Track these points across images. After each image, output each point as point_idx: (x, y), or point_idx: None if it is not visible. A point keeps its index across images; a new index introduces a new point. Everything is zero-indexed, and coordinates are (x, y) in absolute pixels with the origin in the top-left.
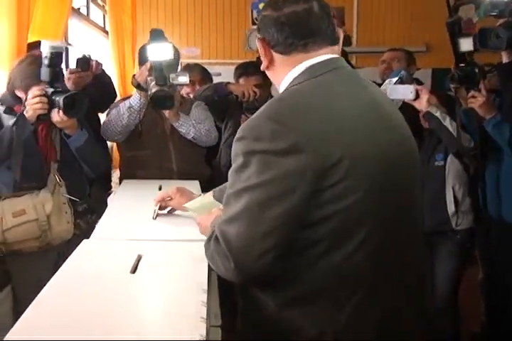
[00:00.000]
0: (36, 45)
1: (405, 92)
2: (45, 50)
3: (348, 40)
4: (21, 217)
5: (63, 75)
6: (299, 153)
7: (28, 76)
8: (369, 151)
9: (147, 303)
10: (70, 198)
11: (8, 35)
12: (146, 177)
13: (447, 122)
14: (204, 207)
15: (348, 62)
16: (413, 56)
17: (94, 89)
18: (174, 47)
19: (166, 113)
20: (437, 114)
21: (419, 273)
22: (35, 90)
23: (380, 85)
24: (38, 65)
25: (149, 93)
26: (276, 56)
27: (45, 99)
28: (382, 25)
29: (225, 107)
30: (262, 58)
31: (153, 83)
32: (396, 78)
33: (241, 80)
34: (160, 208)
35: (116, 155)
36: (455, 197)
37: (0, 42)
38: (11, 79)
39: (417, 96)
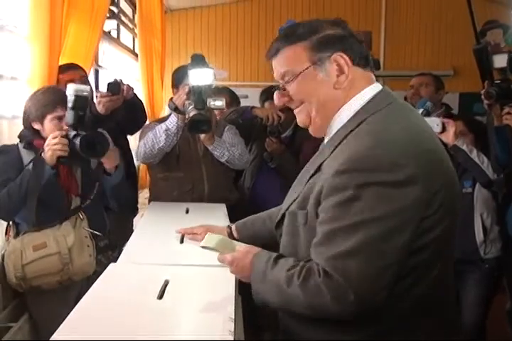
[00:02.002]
0: (67, 67)
1: (432, 125)
2: (70, 93)
3: (377, 64)
4: (42, 251)
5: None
6: (415, 184)
7: (42, 105)
8: (454, 181)
9: (173, 331)
10: (91, 232)
11: (40, 59)
12: (178, 199)
13: (474, 155)
14: (223, 243)
15: None
16: (441, 81)
17: (123, 112)
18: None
19: (202, 136)
20: (464, 147)
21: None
22: (55, 132)
23: None
24: (51, 93)
25: (187, 116)
26: (356, 71)
27: (64, 141)
28: (409, 49)
29: (250, 131)
30: (337, 79)
31: (191, 107)
32: (421, 109)
33: (266, 104)
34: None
35: (142, 175)
36: (483, 225)
37: (32, 66)
38: (26, 112)
39: (444, 129)
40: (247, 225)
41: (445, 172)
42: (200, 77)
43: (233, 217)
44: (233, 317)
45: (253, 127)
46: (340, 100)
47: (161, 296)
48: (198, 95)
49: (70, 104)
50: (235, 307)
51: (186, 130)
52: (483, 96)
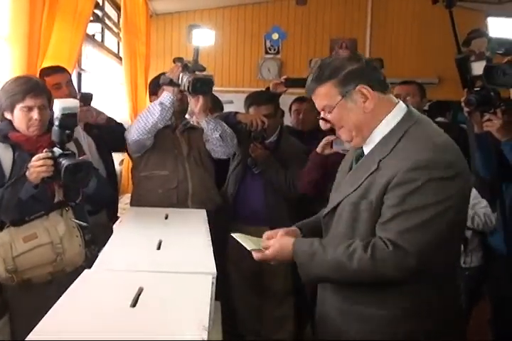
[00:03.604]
0: (53, 70)
1: None
2: (57, 110)
3: (381, 63)
4: (34, 241)
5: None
6: (461, 178)
7: (11, 94)
8: (469, 174)
9: (145, 339)
10: (78, 224)
11: (19, 62)
12: (163, 197)
13: (469, 223)
14: (250, 239)
15: None
16: (424, 88)
17: (98, 132)
18: None
19: (198, 105)
20: None
21: None
22: (40, 153)
23: None
24: (21, 83)
25: (187, 78)
26: (378, 96)
27: (49, 162)
28: (394, 57)
29: None
30: (363, 105)
31: (188, 75)
32: None
33: (251, 110)
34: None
35: (124, 179)
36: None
37: (12, 68)
38: None
39: None
40: (309, 224)
41: (466, 168)
42: (202, 37)
43: (217, 223)
44: (207, 325)
45: (237, 133)
46: (371, 121)
47: (134, 304)
48: (198, 57)
49: (56, 122)
50: (213, 313)
51: (190, 90)
52: (463, 104)
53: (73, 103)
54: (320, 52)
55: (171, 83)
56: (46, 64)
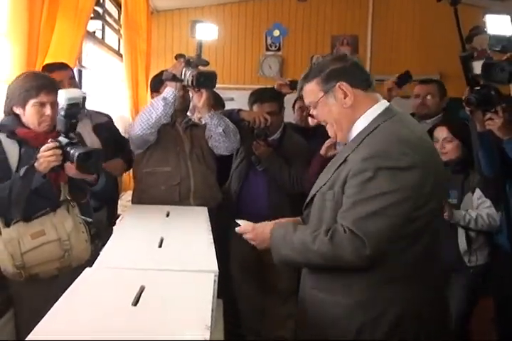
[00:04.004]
0: (56, 66)
1: None
2: (62, 100)
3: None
4: (41, 238)
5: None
6: (415, 169)
7: (25, 89)
8: (441, 170)
9: (146, 339)
10: (83, 219)
11: (18, 59)
12: (165, 193)
13: (472, 225)
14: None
15: None
16: (444, 86)
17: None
18: None
19: (201, 99)
20: (462, 223)
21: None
22: (48, 142)
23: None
24: (35, 78)
25: (190, 73)
26: (358, 92)
27: (58, 152)
28: (396, 53)
29: None
30: (343, 100)
31: (191, 70)
32: None
33: (255, 107)
34: None
35: (125, 177)
36: (468, 235)
37: (11, 65)
38: (8, 96)
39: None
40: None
41: (436, 163)
42: (206, 32)
43: (220, 221)
44: (210, 324)
45: (240, 130)
46: (351, 116)
47: (135, 303)
48: (202, 50)
49: (62, 112)
50: (215, 311)
51: (194, 84)
52: (464, 103)
53: (77, 93)
54: (321, 48)
55: (174, 78)
56: (47, 61)
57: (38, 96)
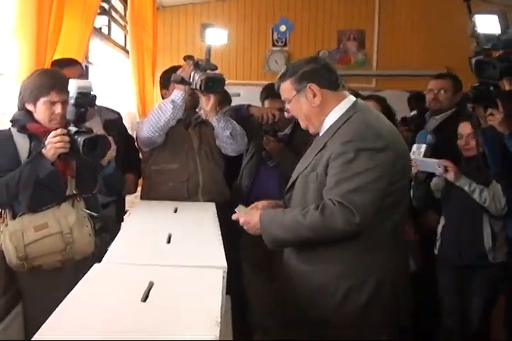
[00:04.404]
0: (65, 62)
1: (434, 166)
2: (72, 89)
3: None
4: (44, 231)
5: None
6: (388, 150)
7: (37, 87)
8: (406, 153)
9: (156, 336)
10: (88, 213)
11: (27, 55)
12: (173, 190)
13: (476, 195)
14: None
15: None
16: (460, 81)
17: None
18: None
19: (209, 104)
20: (466, 188)
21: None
22: (57, 130)
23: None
24: (48, 76)
25: (199, 77)
26: (326, 93)
27: (66, 138)
28: (402, 48)
29: (245, 129)
30: (312, 100)
31: (200, 74)
32: (423, 146)
33: (266, 102)
34: None
35: None
36: (492, 231)
37: (20, 63)
38: (21, 92)
39: (446, 169)
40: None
41: (403, 146)
42: (215, 37)
43: (230, 216)
44: (219, 320)
45: (249, 125)
46: (319, 113)
47: (145, 299)
48: (210, 56)
49: (72, 101)
50: (224, 307)
51: (202, 89)
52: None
53: (88, 83)
54: (328, 43)
55: (183, 81)
56: (55, 58)
57: (48, 94)
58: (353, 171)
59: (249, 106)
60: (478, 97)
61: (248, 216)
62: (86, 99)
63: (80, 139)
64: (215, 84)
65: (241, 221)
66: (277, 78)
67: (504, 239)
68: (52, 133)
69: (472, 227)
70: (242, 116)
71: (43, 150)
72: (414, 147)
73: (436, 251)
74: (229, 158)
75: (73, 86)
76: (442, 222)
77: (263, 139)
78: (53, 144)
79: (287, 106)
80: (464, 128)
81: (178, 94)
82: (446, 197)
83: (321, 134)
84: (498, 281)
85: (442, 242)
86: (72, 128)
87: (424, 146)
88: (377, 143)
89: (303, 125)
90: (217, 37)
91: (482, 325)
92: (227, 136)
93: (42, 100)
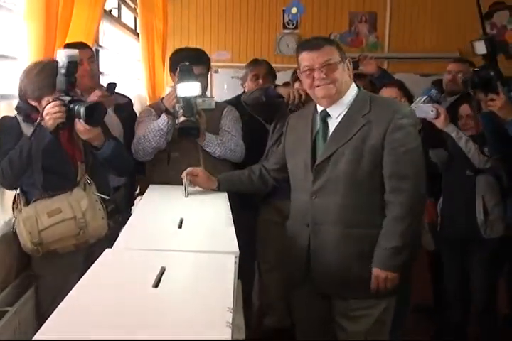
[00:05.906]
0: (75, 46)
1: (427, 111)
2: (61, 59)
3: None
4: (57, 216)
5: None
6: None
7: (39, 87)
8: None
9: (167, 322)
10: (100, 197)
11: (37, 40)
12: (174, 178)
13: (462, 143)
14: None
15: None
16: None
17: None
18: (205, 53)
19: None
20: (453, 134)
21: None
22: (52, 100)
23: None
24: (46, 74)
25: (176, 121)
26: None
27: (63, 108)
28: (414, 30)
29: (274, 109)
30: (348, 71)
31: (181, 111)
32: (425, 97)
33: (296, 84)
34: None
35: None
36: (484, 207)
37: (31, 47)
38: (21, 89)
39: (438, 114)
40: (233, 179)
41: None
42: (187, 90)
43: (250, 203)
44: (232, 307)
45: (276, 105)
46: (346, 86)
47: (156, 284)
48: (187, 103)
49: (62, 71)
50: (235, 293)
51: (177, 136)
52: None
53: (74, 51)
54: (339, 26)
55: (166, 111)
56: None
57: (53, 93)
58: (411, 145)
59: (276, 85)
60: (478, 83)
61: None
62: (74, 67)
63: (79, 108)
64: (189, 132)
65: None
66: (318, 39)
67: (497, 214)
68: (51, 105)
69: (465, 202)
70: (269, 95)
71: (42, 123)
72: (417, 100)
73: (438, 227)
74: (252, 138)
75: (62, 55)
76: (442, 198)
77: None
78: (52, 115)
79: (323, 68)
80: (464, 109)
81: (164, 121)
82: (447, 171)
83: (333, 110)
84: (496, 257)
85: (442, 218)
86: (66, 98)
87: (425, 97)
88: (414, 120)
89: (330, 92)
90: (189, 90)
91: (487, 301)
92: (217, 156)
93: (46, 99)
